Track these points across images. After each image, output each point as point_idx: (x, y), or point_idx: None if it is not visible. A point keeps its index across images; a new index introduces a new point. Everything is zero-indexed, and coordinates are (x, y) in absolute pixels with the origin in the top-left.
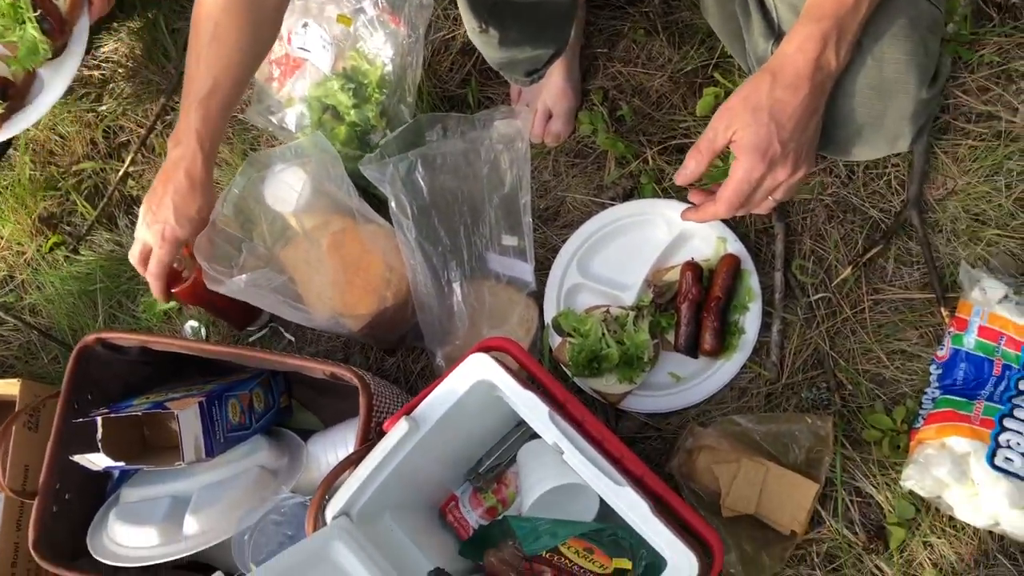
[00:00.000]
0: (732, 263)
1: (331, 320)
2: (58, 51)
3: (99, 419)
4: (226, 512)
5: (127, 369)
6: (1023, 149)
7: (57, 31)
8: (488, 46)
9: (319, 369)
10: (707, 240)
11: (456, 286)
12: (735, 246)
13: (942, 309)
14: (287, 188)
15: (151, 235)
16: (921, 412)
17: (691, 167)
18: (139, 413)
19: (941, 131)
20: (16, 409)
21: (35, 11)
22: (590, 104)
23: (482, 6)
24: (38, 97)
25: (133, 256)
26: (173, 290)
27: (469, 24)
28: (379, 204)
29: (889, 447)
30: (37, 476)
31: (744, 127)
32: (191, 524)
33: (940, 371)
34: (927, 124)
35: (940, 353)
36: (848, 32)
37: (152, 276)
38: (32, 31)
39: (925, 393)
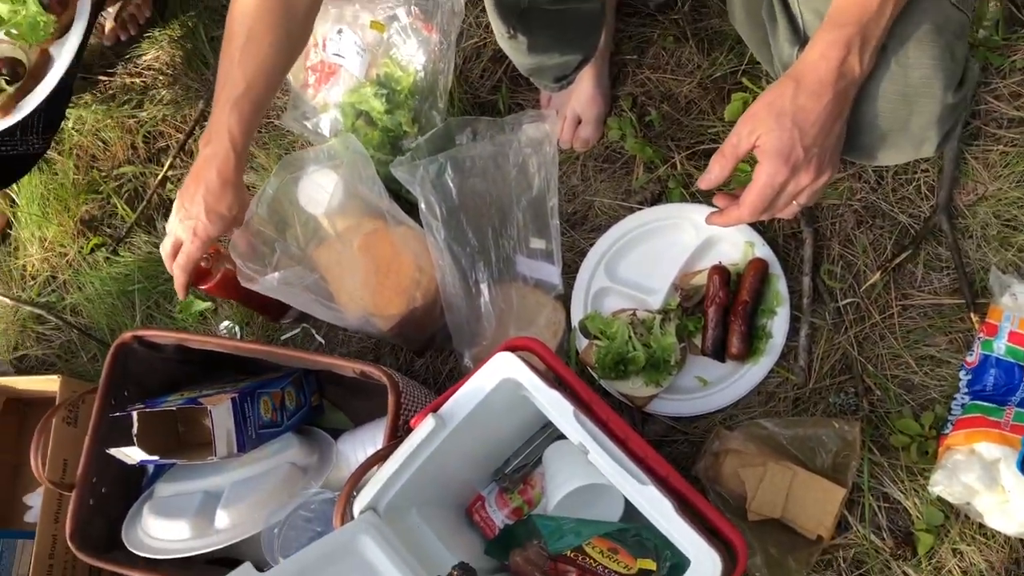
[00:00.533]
0: (760, 267)
1: (362, 320)
2: (64, 29)
3: (135, 413)
4: (256, 507)
5: (163, 367)
6: None
7: (57, 5)
8: (517, 52)
9: (350, 368)
10: (735, 244)
11: (484, 287)
12: (763, 250)
13: (972, 315)
14: (320, 190)
15: (182, 230)
16: (950, 418)
17: (715, 172)
18: (174, 408)
19: (972, 137)
20: (56, 404)
21: None
22: (619, 110)
23: (511, 12)
24: (48, 74)
25: (164, 249)
26: (202, 287)
27: (498, 30)
28: (410, 208)
29: (917, 453)
30: (75, 470)
31: (767, 132)
32: (222, 518)
33: (970, 377)
34: (954, 129)
35: (970, 359)
36: (872, 38)
37: (178, 268)
38: (34, 7)
39: (954, 399)
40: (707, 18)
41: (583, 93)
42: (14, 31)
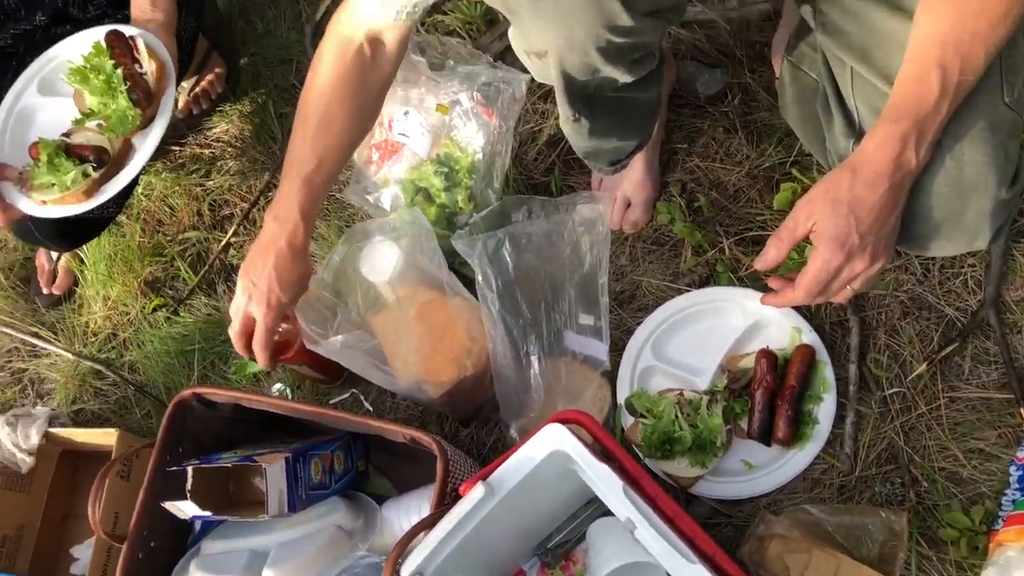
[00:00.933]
0: (807, 353)
1: (414, 385)
2: (147, 122)
3: (190, 469)
4: (301, 569)
5: (219, 425)
6: None
7: (144, 101)
8: (578, 135)
9: (400, 433)
10: (782, 329)
11: (534, 359)
12: (810, 337)
13: (1022, 410)
14: (382, 259)
15: (255, 304)
16: (1001, 514)
17: (771, 253)
18: (228, 465)
19: (1020, 233)
20: (113, 457)
21: (125, 83)
22: (668, 195)
23: (578, 97)
24: (130, 163)
25: (233, 330)
26: (282, 357)
27: (564, 113)
28: (466, 281)
29: (967, 547)
30: (126, 523)
31: (824, 219)
32: None
33: (1020, 472)
34: (1006, 224)
35: (1020, 454)
36: (927, 133)
37: (259, 346)
38: (124, 102)
39: (1004, 494)
40: (756, 111)
41: (634, 177)
42: (103, 123)
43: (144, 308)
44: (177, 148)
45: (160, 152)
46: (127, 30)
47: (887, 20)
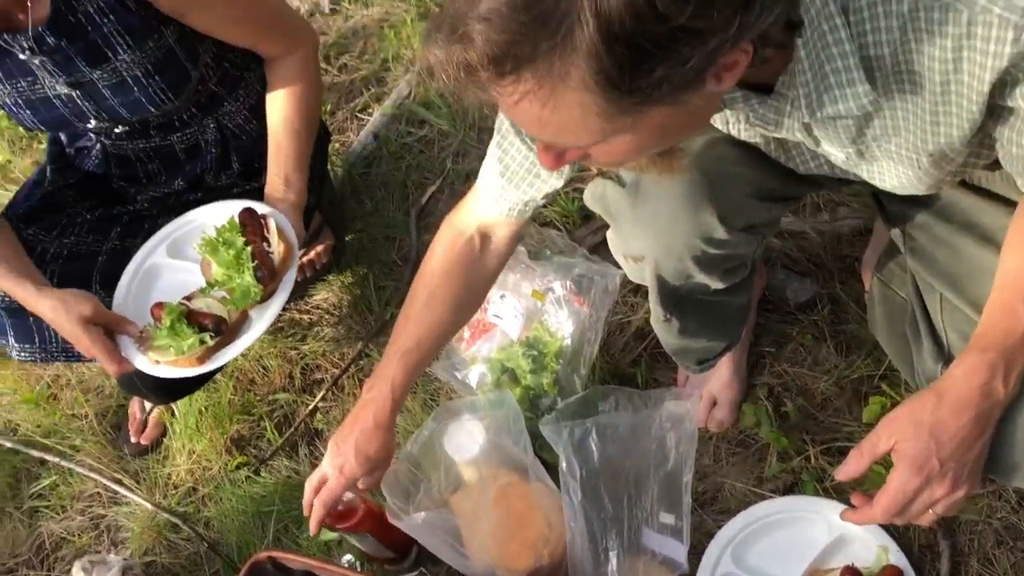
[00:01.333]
0: (894, 575)
1: (488, 570)
2: (267, 296)
3: None
4: None
5: None
6: None
7: (268, 279)
8: (668, 333)
9: None
10: (868, 547)
11: (613, 556)
12: (897, 557)
13: None
14: (468, 438)
15: (331, 467)
16: None
17: (851, 466)
18: None
19: None
20: None
21: (253, 261)
22: (754, 398)
23: (670, 299)
24: (244, 335)
25: (311, 482)
26: (339, 526)
27: (655, 313)
28: (547, 467)
29: None
30: None
31: (905, 439)
32: None
33: None
34: None
35: None
36: (1016, 364)
37: (319, 503)
38: (249, 278)
39: None
40: (846, 322)
41: (721, 377)
42: (226, 296)
43: (227, 465)
44: (279, 313)
45: None
46: (260, 208)
47: (977, 250)
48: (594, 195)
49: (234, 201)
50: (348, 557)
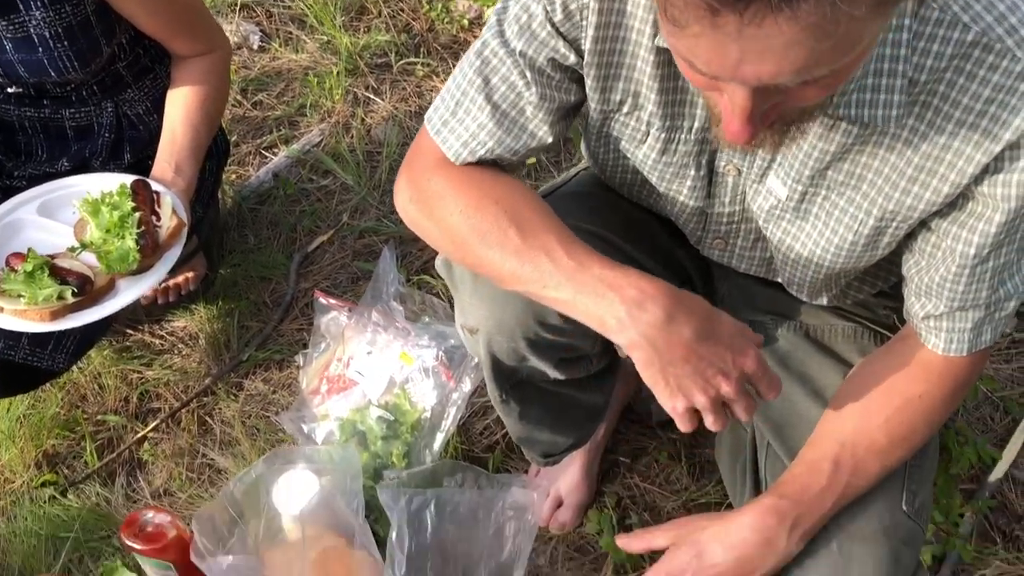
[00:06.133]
0: None
1: None
2: (142, 270)
3: None
4: None
5: None
6: None
7: (150, 250)
8: (509, 417)
9: None
10: None
11: None
12: None
13: None
14: (298, 490)
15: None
16: None
17: (629, 541)
18: None
19: None
20: None
21: (138, 228)
22: (601, 504)
23: (505, 379)
24: (107, 302)
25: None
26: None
27: (491, 391)
28: (377, 539)
29: None
30: None
31: (677, 546)
32: None
33: None
34: None
35: None
36: (804, 520)
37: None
38: (130, 243)
39: None
40: (703, 447)
41: (570, 477)
42: (98, 259)
43: (32, 480)
44: (129, 331)
45: (111, 331)
46: (156, 186)
47: (806, 403)
48: (444, 262)
49: (123, 174)
50: None
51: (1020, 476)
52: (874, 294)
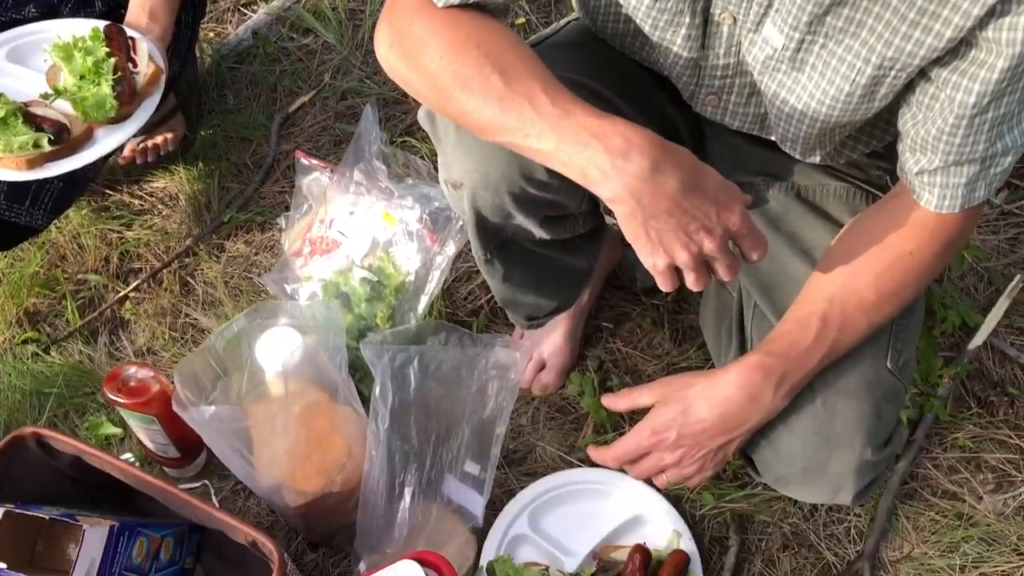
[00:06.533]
0: (681, 560)
1: (273, 488)
2: (120, 118)
3: (1, 510)
4: None
5: (48, 477)
6: (982, 537)
7: (127, 97)
8: (493, 278)
9: (242, 532)
10: (662, 530)
11: (408, 493)
12: (688, 544)
13: None
14: (281, 346)
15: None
16: None
17: (614, 400)
18: (45, 517)
19: (908, 496)
20: None
21: (114, 74)
22: (584, 368)
23: (490, 238)
24: (85, 151)
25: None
26: (127, 401)
27: (475, 250)
28: (361, 397)
29: None
30: None
31: (663, 404)
32: None
33: None
34: (874, 485)
35: None
36: (790, 376)
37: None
38: (106, 89)
39: None
40: (687, 313)
41: (553, 341)
42: (79, 103)
43: (15, 337)
44: (108, 191)
45: (89, 190)
46: (131, 32)
47: (795, 263)
48: (427, 113)
49: (95, 20)
50: (128, 455)
51: (999, 344)
52: (867, 154)
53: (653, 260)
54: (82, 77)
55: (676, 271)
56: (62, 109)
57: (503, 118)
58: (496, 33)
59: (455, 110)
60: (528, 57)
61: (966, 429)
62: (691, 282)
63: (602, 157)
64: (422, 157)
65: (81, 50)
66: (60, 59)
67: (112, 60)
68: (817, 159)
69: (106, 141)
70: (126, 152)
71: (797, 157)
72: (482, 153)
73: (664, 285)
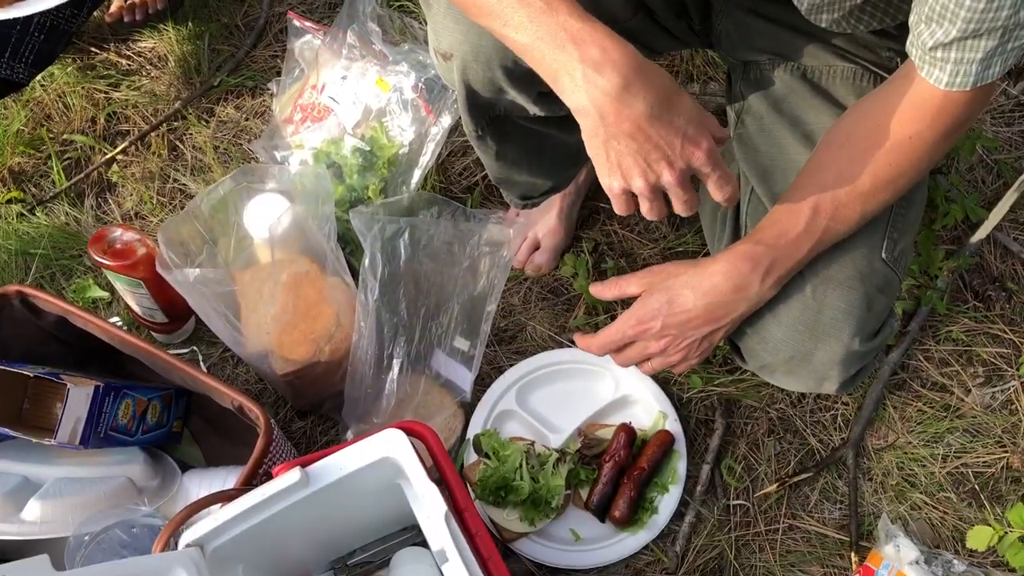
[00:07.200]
0: (666, 440)
1: (261, 355)
2: None
3: None
4: (74, 509)
5: (34, 337)
6: (966, 428)
7: None
8: (486, 155)
9: (230, 396)
10: (649, 411)
11: (396, 365)
12: (673, 426)
13: (853, 554)
14: (269, 212)
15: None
16: None
17: (602, 288)
18: (31, 375)
19: (897, 387)
20: None
21: None
22: (578, 249)
23: (481, 113)
24: None
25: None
26: (113, 263)
27: (466, 124)
28: (351, 269)
29: None
30: None
31: (649, 293)
32: (32, 509)
33: None
34: (861, 375)
35: None
36: (779, 266)
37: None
38: None
39: None
40: None
41: (548, 221)
42: None
43: None
44: (95, 50)
45: (74, 48)
46: None
47: (795, 147)
48: None
49: None
50: (116, 319)
51: (1002, 238)
52: (878, 32)
53: (609, 181)
54: None
55: (632, 196)
56: None
57: (484, 0)
58: None
59: None
60: None
61: (961, 323)
62: (645, 210)
63: (575, 65)
64: (420, 22)
65: None
66: None
67: None
68: (824, 21)
69: None
70: (113, 8)
71: (803, 13)
72: (473, 23)
73: (618, 208)
